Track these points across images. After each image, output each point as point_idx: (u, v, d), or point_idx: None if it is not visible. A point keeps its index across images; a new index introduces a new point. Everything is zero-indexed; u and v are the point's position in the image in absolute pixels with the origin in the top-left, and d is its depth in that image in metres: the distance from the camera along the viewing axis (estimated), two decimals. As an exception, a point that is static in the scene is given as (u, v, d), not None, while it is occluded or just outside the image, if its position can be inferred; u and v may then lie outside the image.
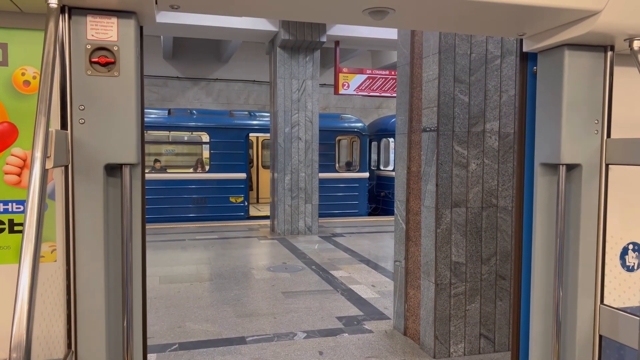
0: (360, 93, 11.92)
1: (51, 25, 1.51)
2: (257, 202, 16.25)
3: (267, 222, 11.67)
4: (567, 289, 2.24)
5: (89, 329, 1.78)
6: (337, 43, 11.25)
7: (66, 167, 1.73)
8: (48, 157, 1.43)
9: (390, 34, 10.35)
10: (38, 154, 1.35)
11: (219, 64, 16.88)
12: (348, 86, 11.68)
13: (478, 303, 4.19)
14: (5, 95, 1.72)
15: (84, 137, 1.73)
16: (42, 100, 1.41)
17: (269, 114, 12.26)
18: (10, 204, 1.75)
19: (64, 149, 1.64)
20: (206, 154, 13.17)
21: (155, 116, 12.60)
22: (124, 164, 1.79)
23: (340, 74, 11.57)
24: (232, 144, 12.79)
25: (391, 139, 14.40)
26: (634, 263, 2.26)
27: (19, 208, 1.75)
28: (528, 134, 2.36)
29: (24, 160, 1.75)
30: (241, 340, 4.54)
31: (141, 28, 1.92)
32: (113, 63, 1.74)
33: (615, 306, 2.20)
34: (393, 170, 13.69)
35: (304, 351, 4.31)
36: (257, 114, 13.61)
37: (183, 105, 16.35)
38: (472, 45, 4.06)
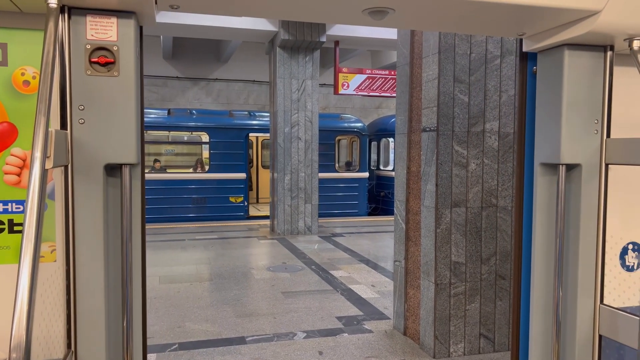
0: (359, 93, 11.92)
1: (51, 25, 1.51)
2: (257, 202, 16.25)
3: (267, 222, 11.67)
4: (567, 289, 2.24)
5: (88, 329, 1.78)
6: (336, 43, 11.25)
7: (66, 167, 1.73)
8: (48, 157, 1.43)
9: (390, 34, 10.35)
10: (38, 154, 1.35)
11: (219, 63, 16.88)
12: (348, 86, 11.68)
13: (478, 303, 4.20)
14: (5, 95, 1.72)
15: (83, 137, 1.73)
16: (42, 100, 1.41)
17: (268, 114, 12.25)
18: (10, 204, 1.74)
19: (63, 149, 1.64)
20: (206, 154, 13.17)
21: (155, 116, 12.59)
22: (124, 164, 1.79)
23: (340, 74, 11.57)
24: (231, 144, 12.79)
25: (391, 139, 14.40)
26: (634, 263, 2.26)
27: (19, 208, 1.75)
28: (528, 133, 2.36)
29: (24, 160, 1.75)
30: (241, 340, 4.54)
31: (141, 28, 1.92)
32: (113, 63, 1.74)
33: (615, 306, 2.20)
34: (393, 170, 13.71)
35: (303, 351, 4.31)
36: (256, 114, 13.61)
37: (183, 105, 16.35)
38: (471, 45, 4.06)
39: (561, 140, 2.13)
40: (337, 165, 13.89)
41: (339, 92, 11.74)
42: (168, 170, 13.00)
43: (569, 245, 2.23)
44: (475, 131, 4.10)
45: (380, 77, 11.91)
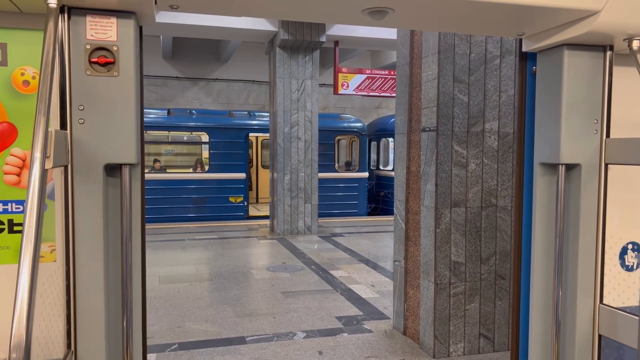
0: (359, 93, 11.93)
1: (50, 25, 1.51)
2: (257, 202, 16.25)
3: (267, 222, 11.67)
4: (567, 289, 2.24)
5: (88, 329, 1.78)
6: (336, 43, 11.25)
7: (66, 167, 1.73)
8: (47, 157, 1.43)
9: (390, 34, 10.35)
10: (37, 154, 1.35)
11: (219, 63, 16.88)
12: (347, 86, 11.69)
13: (477, 303, 4.20)
14: (5, 95, 1.72)
15: (83, 137, 1.73)
16: (42, 100, 1.41)
17: (268, 114, 12.26)
18: (9, 204, 1.74)
19: (63, 149, 1.64)
20: (206, 154, 13.17)
21: (155, 116, 12.59)
22: (124, 164, 1.79)
23: (339, 74, 11.57)
24: (231, 143, 12.79)
25: (390, 139, 14.40)
26: (633, 263, 2.27)
27: (19, 208, 1.75)
28: (527, 133, 2.36)
29: (24, 160, 1.75)
30: (241, 340, 4.54)
31: (140, 28, 1.92)
32: (112, 63, 1.74)
33: (615, 306, 2.20)
34: (392, 170, 13.70)
35: (303, 351, 4.31)
36: (256, 113, 13.61)
37: (182, 105, 16.35)
38: (471, 45, 4.06)
39: (561, 140, 2.13)
40: (336, 165, 13.89)
41: (339, 92, 11.74)
42: (168, 170, 13.00)
43: (569, 245, 2.23)
44: (474, 131, 4.10)
45: (379, 77, 11.91)
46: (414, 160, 4.51)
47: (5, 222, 1.75)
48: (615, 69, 2.17)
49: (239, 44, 14.32)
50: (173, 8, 1.91)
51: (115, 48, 1.74)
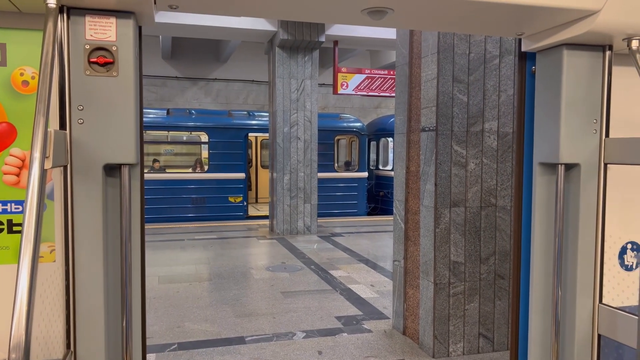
0: (359, 93, 11.93)
1: (50, 25, 1.51)
2: (256, 202, 16.25)
3: (266, 222, 11.67)
4: (566, 288, 2.25)
5: (88, 329, 1.78)
6: (335, 43, 11.25)
7: (65, 167, 1.73)
8: (47, 157, 1.42)
9: (389, 33, 10.35)
10: (37, 154, 1.35)
11: (218, 63, 16.87)
12: (347, 86, 11.69)
13: (477, 302, 4.20)
14: (4, 95, 1.72)
15: (82, 137, 1.73)
16: (41, 100, 1.41)
17: (267, 114, 12.26)
18: (9, 204, 1.74)
19: (62, 149, 1.64)
20: (205, 153, 13.16)
21: (154, 116, 12.59)
22: (123, 164, 1.79)
23: (339, 74, 11.57)
24: (231, 143, 12.79)
25: (390, 139, 14.40)
26: (633, 262, 2.27)
27: (18, 208, 1.75)
28: (527, 133, 2.36)
29: (23, 161, 1.75)
30: (240, 340, 4.54)
31: (140, 28, 1.92)
32: (112, 63, 1.74)
33: (614, 305, 2.20)
34: (392, 169, 13.71)
35: (303, 351, 4.31)
36: (256, 113, 13.61)
37: (182, 105, 16.34)
38: (470, 45, 4.06)
39: (560, 140, 2.13)
40: (336, 165, 13.89)
41: (338, 92, 11.75)
42: (167, 170, 13.00)
43: (568, 244, 2.23)
44: (474, 131, 4.10)
45: (379, 77, 11.92)
46: (413, 160, 4.51)
47: (5, 222, 1.75)
48: (614, 68, 2.17)
49: (238, 43, 14.31)
50: (172, 8, 1.91)
51: (114, 48, 1.74)
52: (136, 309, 1.90)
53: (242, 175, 12.93)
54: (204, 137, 12.90)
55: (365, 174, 14.03)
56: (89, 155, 1.74)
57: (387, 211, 13.98)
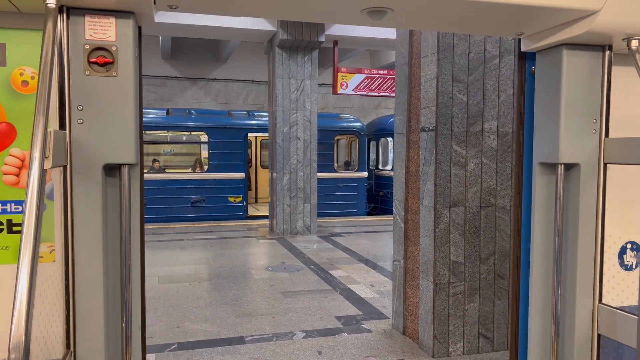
0: (358, 93, 11.93)
1: (49, 25, 1.51)
2: (256, 201, 16.24)
3: (266, 222, 11.67)
4: (566, 288, 2.25)
5: (87, 329, 1.78)
6: (335, 43, 11.25)
7: (65, 167, 1.73)
8: (46, 157, 1.42)
9: (389, 33, 10.35)
10: (36, 154, 1.35)
11: (218, 63, 16.87)
12: (346, 86, 11.69)
13: (477, 302, 4.20)
14: (4, 95, 1.72)
15: (82, 137, 1.73)
16: (41, 100, 1.41)
17: (267, 114, 12.25)
18: (8, 204, 1.74)
19: (62, 149, 1.64)
20: (205, 153, 13.16)
21: (154, 116, 12.59)
22: (123, 164, 1.79)
23: (338, 74, 11.57)
24: (230, 143, 12.79)
25: (390, 139, 14.40)
26: (632, 262, 2.27)
27: (18, 208, 1.75)
28: (526, 133, 2.36)
29: (23, 161, 1.74)
30: (240, 340, 4.54)
31: (139, 28, 1.92)
32: (111, 63, 1.74)
33: (614, 305, 2.20)
34: (391, 169, 13.71)
35: (302, 351, 4.31)
36: (255, 113, 13.61)
37: (181, 105, 16.34)
38: (470, 45, 4.06)
39: (560, 140, 2.13)
40: (336, 165, 13.89)
41: (338, 92, 11.75)
42: (167, 170, 13.00)
43: (568, 244, 2.24)
44: (473, 131, 4.10)
45: (379, 77, 11.92)
46: (413, 160, 4.51)
47: (4, 222, 1.74)
48: (614, 68, 2.17)
49: (238, 43, 14.31)
50: (172, 8, 1.91)
51: (114, 48, 1.74)
52: (136, 309, 1.90)
53: (241, 175, 12.93)
54: (204, 137, 12.90)
55: (365, 174, 14.03)
56: (89, 155, 1.74)
57: (387, 211, 13.99)
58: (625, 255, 2.26)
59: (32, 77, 1.74)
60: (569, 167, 2.20)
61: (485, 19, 2.03)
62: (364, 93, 11.95)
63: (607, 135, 2.18)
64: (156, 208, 11.98)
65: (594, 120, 2.16)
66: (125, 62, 1.75)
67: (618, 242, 2.24)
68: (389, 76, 11.95)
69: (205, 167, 12.89)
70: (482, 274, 4.20)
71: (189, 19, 9.34)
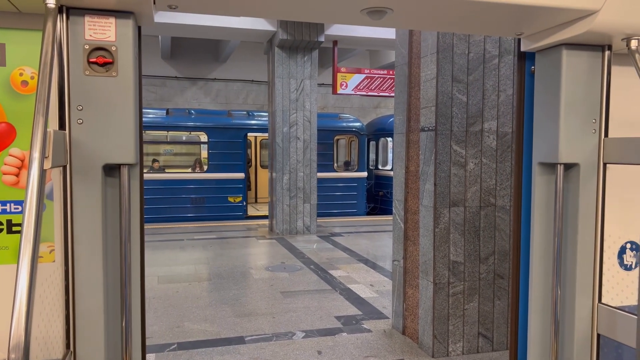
0: (358, 93, 11.93)
1: (49, 25, 1.51)
2: (256, 201, 16.24)
3: (266, 221, 11.67)
4: (565, 288, 2.25)
5: (87, 329, 1.78)
6: (335, 43, 11.25)
7: (64, 167, 1.73)
8: (46, 157, 1.42)
9: (389, 33, 10.35)
10: (36, 154, 1.35)
11: (217, 63, 16.87)
12: (346, 86, 11.69)
13: (476, 302, 4.20)
14: (3, 95, 1.72)
15: (82, 137, 1.73)
16: (40, 100, 1.41)
17: (267, 114, 12.25)
18: (8, 205, 1.74)
19: (62, 149, 1.64)
20: (204, 153, 13.16)
21: (154, 116, 12.58)
22: (122, 164, 1.79)
23: (338, 74, 11.58)
24: (230, 143, 12.79)
25: (389, 139, 14.40)
26: (632, 262, 2.27)
27: (17, 208, 1.75)
28: (526, 133, 2.36)
29: (22, 161, 1.74)
30: (240, 340, 4.54)
31: (139, 28, 1.92)
32: (111, 63, 1.74)
33: (613, 305, 2.20)
34: (391, 169, 13.70)
35: (302, 351, 4.32)
36: (255, 113, 13.61)
37: (181, 105, 16.34)
38: (470, 45, 4.06)
39: (559, 140, 2.13)
40: (335, 164, 13.89)
41: (338, 92, 11.75)
42: (167, 170, 13.00)
43: (567, 244, 2.24)
44: (473, 131, 4.10)
45: (378, 77, 11.92)
46: (412, 160, 4.51)
47: (4, 222, 1.74)
48: (613, 68, 2.17)
49: (237, 43, 14.31)
50: (172, 8, 1.91)
51: (113, 48, 1.74)
52: (136, 309, 1.90)
53: (241, 175, 12.93)
54: (204, 137, 12.90)
55: (364, 174, 14.03)
56: (89, 155, 1.74)
57: (387, 211, 13.98)
58: (624, 255, 2.26)
59: (32, 77, 1.74)
60: (568, 167, 2.20)
61: (485, 19, 2.03)
62: (364, 93, 11.95)
63: (606, 135, 2.18)
64: (156, 208, 11.98)
65: (594, 120, 2.16)
66: (125, 62, 1.75)
67: (618, 241, 2.25)
68: (388, 76, 11.95)
69: (205, 167, 12.89)
70: (481, 274, 4.20)
71: (189, 19, 9.34)
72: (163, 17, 8.93)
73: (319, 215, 11.62)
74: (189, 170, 13.10)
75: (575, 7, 1.89)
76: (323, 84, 16.95)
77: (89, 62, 1.72)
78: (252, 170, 16.11)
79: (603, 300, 2.22)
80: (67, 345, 1.77)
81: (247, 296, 5.91)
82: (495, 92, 4.13)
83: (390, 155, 14.62)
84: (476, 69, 4.08)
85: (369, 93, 12.00)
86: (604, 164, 2.18)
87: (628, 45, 2.02)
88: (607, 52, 2.15)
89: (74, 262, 1.76)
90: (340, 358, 4.19)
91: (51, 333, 1.74)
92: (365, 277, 6.86)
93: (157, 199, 12.07)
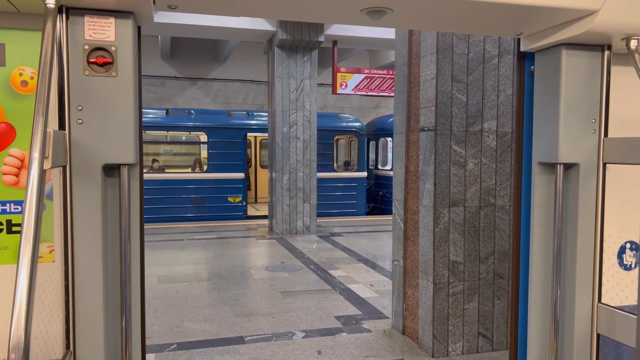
0: (358, 92, 11.94)
1: (49, 25, 1.51)
2: (255, 201, 16.24)
3: (265, 221, 11.67)
4: (565, 288, 2.25)
5: (87, 329, 1.78)
6: (334, 43, 11.25)
7: (64, 167, 1.73)
8: (46, 157, 1.42)
9: (388, 33, 10.35)
10: (36, 155, 1.35)
11: (217, 63, 16.87)
12: (346, 86, 11.70)
13: (476, 302, 4.20)
14: (3, 95, 1.72)
15: (81, 137, 1.73)
16: (40, 100, 1.41)
17: (267, 114, 12.25)
18: (8, 205, 1.74)
19: (61, 149, 1.64)
20: (204, 153, 13.16)
21: (153, 116, 12.58)
22: (122, 164, 1.79)
23: (338, 74, 11.58)
24: (230, 143, 12.79)
25: (389, 139, 14.41)
26: (632, 262, 2.27)
27: (17, 208, 1.75)
28: (526, 133, 2.36)
29: (22, 161, 1.74)
30: (240, 340, 4.54)
31: (139, 28, 1.92)
32: (111, 63, 1.74)
33: (613, 305, 2.20)
34: (391, 169, 13.70)
35: (302, 351, 4.32)
36: (255, 113, 13.61)
37: (181, 105, 16.34)
38: (469, 45, 4.06)
39: (559, 140, 2.13)
40: (335, 164, 13.90)
41: (337, 92, 11.76)
42: (166, 170, 13.00)
43: (567, 244, 2.24)
44: (473, 130, 4.10)
45: (378, 77, 11.92)
46: (412, 160, 4.51)
47: (4, 222, 1.74)
48: (613, 68, 2.17)
49: (237, 43, 14.31)
50: (171, 8, 1.91)
51: (113, 48, 1.74)
52: (135, 309, 1.90)
53: (241, 175, 12.93)
54: (203, 137, 12.90)
55: (364, 174, 14.03)
56: (88, 155, 1.74)
57: (386, 211, 13.99)
58: (624, 255, 2.26)
59: (32, 77, 1.74)
60: (568, 166, 2.20)
61: (485, 19, 2.03)
62: (364, 93, 11.96)
63: (606, 135, 2.18)
64: (156, 208, 11.98)
65: (593, 120, 2.17)
66: (125, 62, 1.75)
67: (617, 241, 2.25)
68: (388, 76, 11.95)
69: (205, 167, 12.89)
70: (481, 274, 4.20)
71: (189, 19, 9.34)
72: (163, 17, 8.93)
73: (319, 215, 11.62)
74: (189, 170, 13.10)
75: (574, 7, 1.89)
76: (323, 84, 16.95)
77: (89, 62, 1.72)
78: (251, 170, 16.11)
79: (603, 300, 2.22)
80: (67, 346, 1.77)
81: (246, 296, 5.91)
82: (495, 92, 4.14)
83: (390, 155, 14.62)
84: (476, 69, 4.08)
85: (369, 93, 12.00)
86: (604, 164, 2.18)
87: (628, 45, 2.02)
88: (606, 52, 2.15)
89: (74, 262, 1.76)
90: (340, 358, 4.19)
91: (51, 333, 1.74)
92: (365, 277, 6.86)
93: (157, 199, 12.06)
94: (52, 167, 1.54)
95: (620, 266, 2.25)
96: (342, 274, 7.00)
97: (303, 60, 10.28)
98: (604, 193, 2.20)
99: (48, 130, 1.44)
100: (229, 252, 8.43)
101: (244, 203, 13.03)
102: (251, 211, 14.00)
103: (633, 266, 2.27)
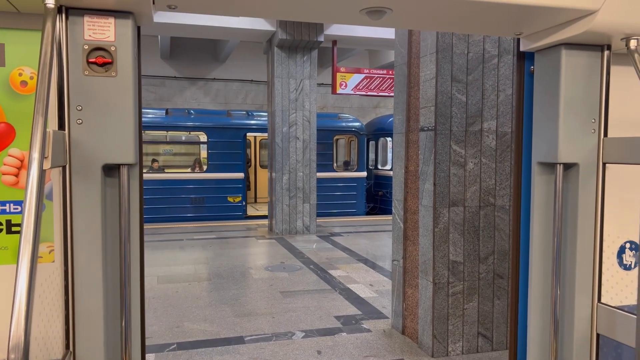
0: (357, 92, 11.94)
1: (48, 25, 1.50)
2: (255, 201, 16.24)
3: (265, 221, 11.67)
4: (565, 288, 2.25)
5: (87, 330, 1.78)
6: (334, 42, 11.25)
7: (64, 167, 1.73)
8: (45, 157, 1.42)
9: (388, 33, 10.36)
10: (35, 155, 1.35)
11: (217, 63, 16.87)
12: (346, 85, 11.70)
13: (476, 302, 4.20)
14: (3, 95, 1.72)
15: (81, 137, 1.73)
16: (40, 100, 1.41)
17: (266, 114, 12.26)
18: (7, 205, 1.74)
19: (61, 149, 1.64)
20: (204, 153, 13.16)
21: (153, 116, 12.58)
22: (122, 164, 1.79)
23: (337, 74, 11.58)
24: (229, 143, 12.79)
25: (389, 139, 14.41)
26: (631, 261, 2.27)
27: (17, 209, 1.75)
28: (525, 133, 2.37)
29: (22, 161, 1.74)
30: (239, 340, 4.54)
31: (138, 28, 1.92)
32: (110, 63, 1.74)
33: (613, 304, 2.21)
34: (391, 169, 13.71)
35: (302, 350, 4.32)
36: (254, 113, 13.61)
37: (181, 105, 16.33)
38: (469, 45, 4.06)
39: (558, 140, 2.13)
40: (335, 164, 13.90)
41: (337, 92, 11.76)
42: (166, 170, 12.99)
43: (567, 244, 2.24)
44: (473, 130, 4.10)
45: (378, 77, 11.92)
46: (412, 160, 4.51)
47: (4, 222, 1.74)
48: (612, 68, 2.17)
49: (237, 43, 14.31)
50: (171, 8, 1.91)
51: (113, 48, 1.74)
52: (135, 309, 1.90)
53: (241, 175, 12.92)
54: (203, 137, 12.90)
55: (364, 174, 14.03)
56: (88, 155, 1.74)
57: (386, 211, 13.99)
58: (624, 255, 2.26)
59: (31, 77, 1.74)
60: (567, 166, 2.20)
61: (484, 19, 2.04)
62: (363, 93, 11.96)
63: (605, 134, 2.18)
64: (155, 208, 11.98)
65: (593, 120, 2.17)
66: (124, 62, 1.75)
67: (617, 241, 2.25)
68: (388, 76, 11.96)
69: (205, 167, 12.89)
70: (481, 274, 4.20)
71: (188, 18, 9.34)
72: (162, 17, 8.93)
73: (319, 215, 11.62)
74: (189, 170, 13.10)
75: (574, 7, 1.89)
76: (322, 83, 16.95)
77: (88, 62, 1.72)
78: (251, 170, 16.11)
79: (602, 300, 2.22)
80: (67, 346, 1.77)
81: (246, 296, 5.91)
82: (495, 92, 4.14)
83: (389, 155, 14.62)
84: (475, 69, 4.08)
85: (369, 93, 12.00)
86: (604, 164, 2.18)
87: (627, 45, 2.02)
88: (606, 52, 2.15)
89: (74, 262, 1.76)
90: (340, 358, 4.19)
91: (51, 333, 1.74)
92: (364, 277, 6.86)
93: (156, 199, 12.06)
94: (51, 167, 1.54)
95: (620, 266, 2.26)
96: (342, 273, 7.01)
97: (303, 60, 10.28)
98: (604, 193, 2.20)
99: (48, 130, 1.43)
100: (228, 252, 8.43)
101: (244, 203, 13.03)
102: (251, 211, 14.00)
103: (633, 266, 2.27)
